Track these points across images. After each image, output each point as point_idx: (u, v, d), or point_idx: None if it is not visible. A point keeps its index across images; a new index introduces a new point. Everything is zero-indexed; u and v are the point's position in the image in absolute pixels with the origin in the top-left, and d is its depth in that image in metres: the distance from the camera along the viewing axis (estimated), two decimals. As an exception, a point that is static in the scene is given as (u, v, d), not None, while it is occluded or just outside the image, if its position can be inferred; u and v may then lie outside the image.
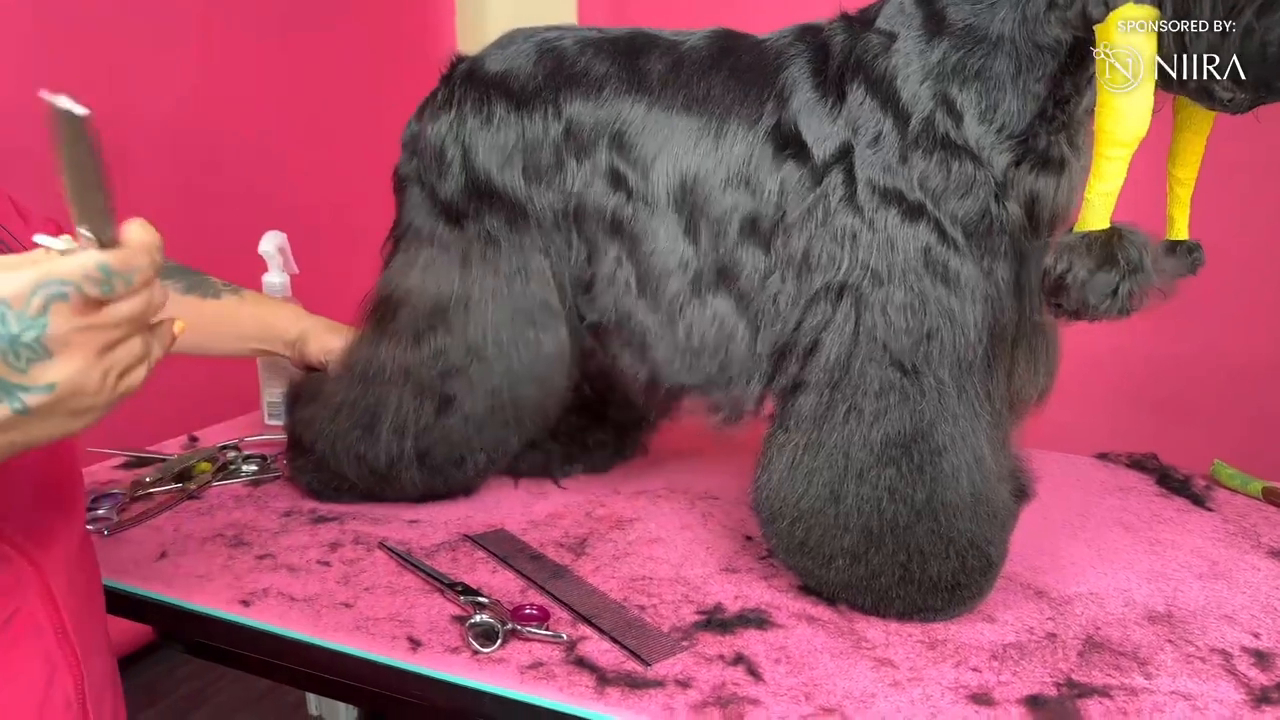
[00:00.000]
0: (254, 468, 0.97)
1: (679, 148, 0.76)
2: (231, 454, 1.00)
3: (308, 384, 0.92)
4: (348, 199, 1.51)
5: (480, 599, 0.70)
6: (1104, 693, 0.61)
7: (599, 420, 0.98)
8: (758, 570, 0.78)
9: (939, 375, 0.68)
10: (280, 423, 1.07)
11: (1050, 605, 0.73)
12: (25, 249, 0.55)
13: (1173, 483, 1.02)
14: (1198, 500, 0.98)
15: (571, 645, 0.65)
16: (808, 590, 0.74)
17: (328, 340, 0.92)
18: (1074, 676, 0.63)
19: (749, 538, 0.84)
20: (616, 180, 0.78)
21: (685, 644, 0.65)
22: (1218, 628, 0.70)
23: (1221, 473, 1.04)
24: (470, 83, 0.81)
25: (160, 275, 0.46)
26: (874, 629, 0.69)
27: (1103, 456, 1.10)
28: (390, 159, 0.87)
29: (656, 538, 0.84)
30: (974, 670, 0.64)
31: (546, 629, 0.66)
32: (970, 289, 0.67)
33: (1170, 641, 0.68)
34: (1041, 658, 0.65)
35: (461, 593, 0.71)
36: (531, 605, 0.68)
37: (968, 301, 0.67)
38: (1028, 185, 0.67)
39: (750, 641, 0.66)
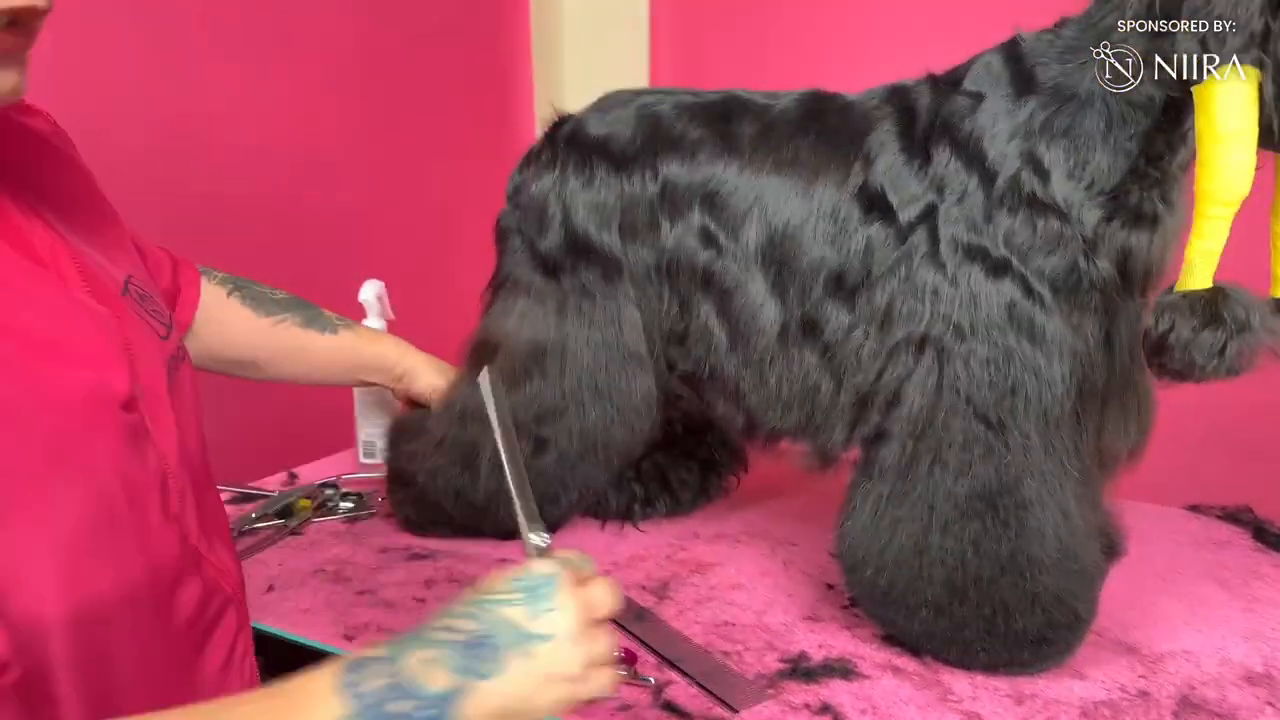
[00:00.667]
0: (351, 505, 1.02)
1: (769, 207, 0.79)
2: (329, 491, 1.05)
3: (411, 420, 0.96)
4: (440, 250, 1.59)
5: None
6: (1201, 758, 0.61)
7: (686, 457, 1.01)
8: (840, 619, 0.79)
9: (1024, 430, 0.68)
10: (374, 461, 1.13)
11: (1142, 663, 0.72)
12: (157, 298, 0.61)
13: (1269, 537, 0.99)
14: (1296, 557, 0.95)
15: (659, 690, 0.67)
16: (892, 640, 0.75)
17: (433, 377, 0.97)
18: (1169, 739, 0.62)
19: (830, 586, 0.85)
20: (708, 238, 0.81)
21: (771, 691, 0.67)
22: (1320, 692, 0.68)
23: (1322, 528, 1.00)
24: (573, 144, 0.86)
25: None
26: (960, 681, 0.69)
27: (1194, 509, 1.07)
28: (477, 211, 0.92)
29: (738, 583, 0.85)
30: (1064, 728, 0.63)
31: (634, 672, 0.68)
32: (1057, 344, 0.68)
33: (1270, 704, 0.67)
34: (1134, 716, 0.65)
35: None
36: (618, 647, 0.71)
37: (1055, 357, 0.68)
38: (1120, 241, 0.68)
39: (836, 691, 0.67)
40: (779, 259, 0.79)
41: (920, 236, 0.72)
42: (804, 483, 0.80)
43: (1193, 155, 0.60)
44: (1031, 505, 0.68)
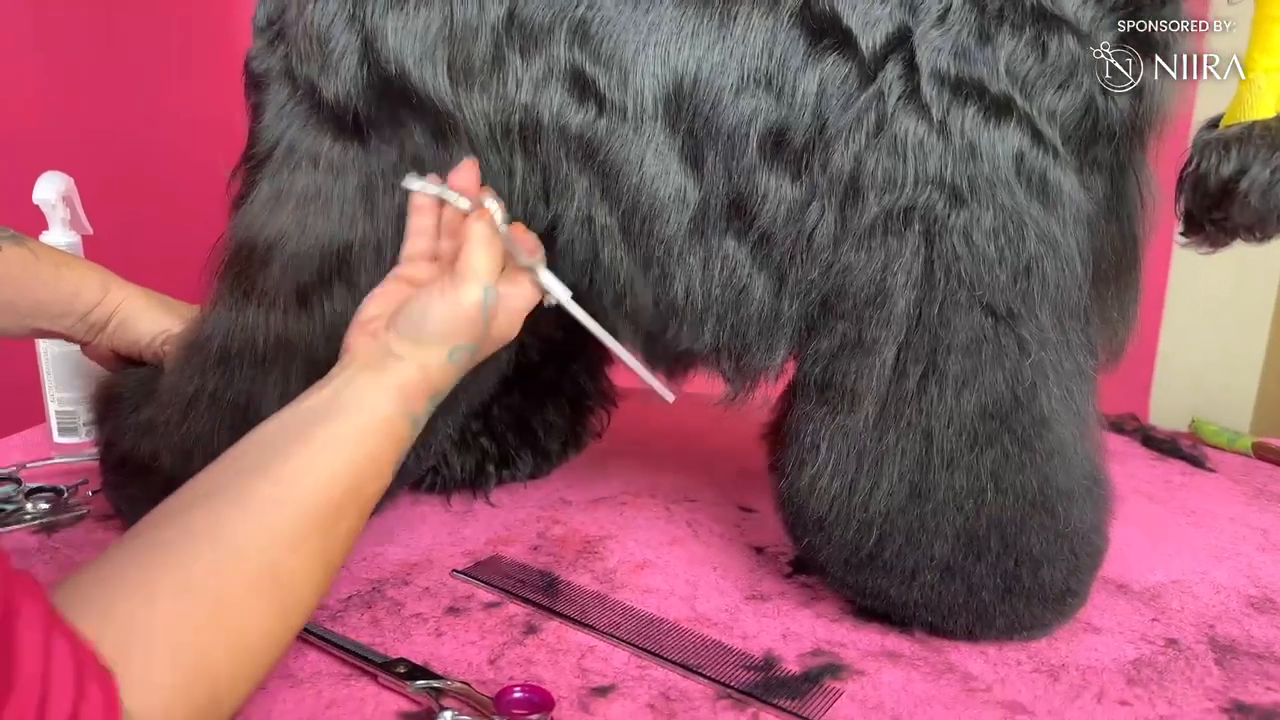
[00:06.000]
0: (45, 506, 0.68)
1: (669, 39, 0.56)
2: (8, 488, 0.70)
3: (131, 380, 0.64)
4: (157, 130, 1.16)
5: (437, 682, 0.47)
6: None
7: (549, 395, 0.77)
8: (792, 594, 0.60)
9: (1040, 321, 0.52)
10: (76, 440, 0.78)
11: (1143, 602, 0.60)
12: None
13: (1160, 444, 0.94)
14: (1195, 462, 0.89)
15: (599, 741, 0.44)
16: (868, 613, 0.57)
17: (158, 318, 0.65)
18: (1234, 695, 0.50)
19: (759, 550, 0.66)
20: (583, 87, 0.57)
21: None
22: (1338, 610, 0.59)
23: (1204, 430, 0.96)
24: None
25: None
26: (973, 660, 0.53)
27: (1077, 421, 1.00)
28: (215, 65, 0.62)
29: (644, 561, 0.64)
30: (1123, 704, 0.49)
31: (551, 720, 0.45)
32: (1073, 209, 0.52)
33: (1296, 633, 0.56)
34: (1184, 676, 0.51)
35: (405, 675, 0.48)
36: (519, 685, 0.47)
37: (1069, 225, 0.52)
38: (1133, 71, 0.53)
39: (837, 703, 0.48)
40: (689, 115, 0.57)
41: (893, 71, 0.53)
42: (674, 417, 0.59)
43: None
44: (1050, 421, 0.52)
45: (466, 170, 0.54)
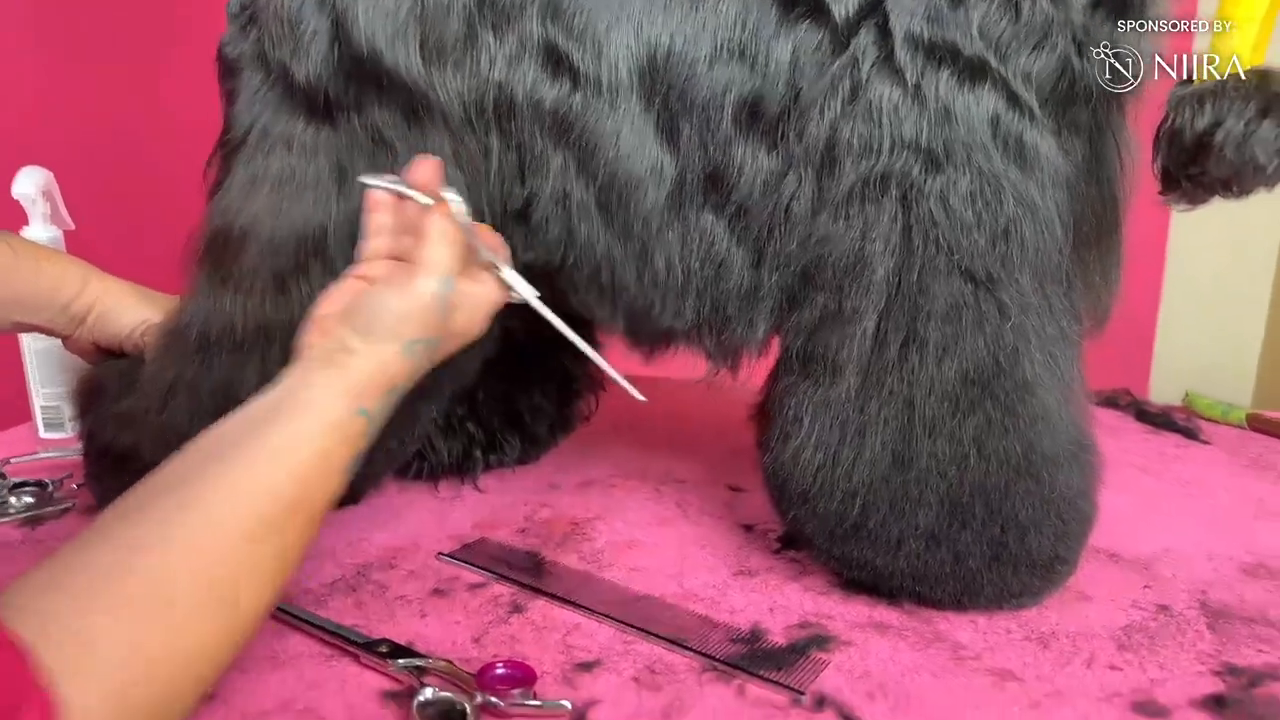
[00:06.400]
0: (30, 500, 0.68)
1: (642, 12, 0.56)
2: (-7, 486, 0.70)
3: (112, 371, 0.64)
4: (139, 124, 1.16)
5: (420, 661, 0.47)
6: (1274, 675, 0.48)
7: (536, 377, 0.76)
8: (780, 569, 0.59)
9: (1020, 285, 0.51)
10: (61, 435, 0.78)
11: (1135, 571, 0.59)
12: None
13: (1154, 418, 0.93)
14: (1190, 434, 0.88)
15: (580, 718, 0.43)
16: (856, 585, 0.56)
17: (140, 310, 0.64)
18: (1226, 658, 0.49)
19: (748, 527, 0.65)
20: (556, 62, 0.57)
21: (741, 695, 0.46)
22: (1330, 573, 0.58)
23: (1198, 403, 0.96)
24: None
25: None
26: (962, 629, 0.52)
27: (1072, 397, 1.00)
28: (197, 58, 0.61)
29: (632, 540, 0.63)
30: (1113, 669, 0.48)
31: (534, 697, 0.44)
32: (1051, 171, 0.52)
33: (1290, 596, 0.56)
34: (1175, 640, 0.51)
35: (388, 654, 0.48)
36: (502, 661, 0.46)
37: (1049, 188, 0.52)
38: (1106, 34, 0.52)
39: (823, 673, 0.47)
40: (664, 88, 0.56)
41: (866, 37, 0.53)
42: (664, 399, 0.59)
43: None
44: (1034, 385, 0.51)
45: (427, 166, 0.52)
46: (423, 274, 0.49)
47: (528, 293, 0.54)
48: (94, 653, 0.34)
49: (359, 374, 0.47)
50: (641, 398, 0.56)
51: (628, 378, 0.57)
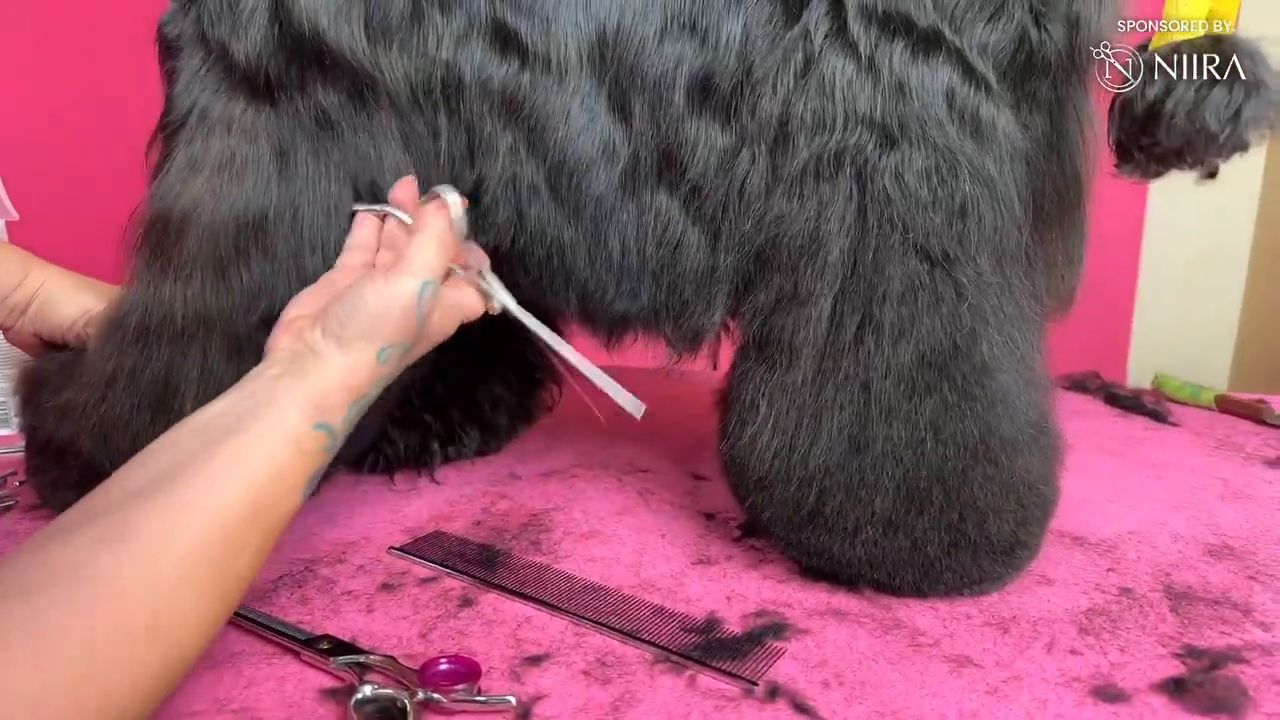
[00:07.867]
0: (-28, 501, 0.66)
1: (590, -15, 0.54)
2: (-67, 485, 0.68)
3: (52, 364, 0.62)
4: (84, 116, 1.13)
5: (361, 657, 0.45)
6: (1236, 657, 0.47)
7: (495, 365, 0.74)
8: (739, 557, 0.58)
9: (977, 265, 0.50)
10: (8, 431, 0.76)
11: (1099, 554, 0.59)
12: None
13: (1124, 401, 0.93)
14: (1158, 416, 0.88)
15: (525, 713, 0.42)
16: (815, 573, 0.55)
17: (81, 299, 0.62)
18: (1188, 640, 0.48)
19: (710, 516, 0.64)
20: (504, 39, 0.55)
21: (692, 685, 0.44)
22: (1295, 554, 0.58)
23: (1168, 385, 0.95)
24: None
25: None
26: (921, 615, 0.51)
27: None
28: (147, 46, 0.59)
29: (592, 531, 0.62)
30: (1073, 654, 0.47)
31: (478, 692, 0.43)
32: (1008, 146, 0.50)
33: (1253, 579, 0.55)
34: (1137, 623, 0.50)
35: (329, 651, 0.46)
36: (446, 657, 0.45)
37: (1005, 163, 0.50)
38: (1065, 5, 0.51)
39: (778, 662, 0.46)
40: (614, 65, 0.55)
41: (819, 9, 0.51)
42: (630, 387, 0.57)
43: None
44: (992, 368, 0.50)
45: (406, 185, 0.54)
46: (407, 273, 0.47)
47: (509, 302, 0.55)
48: (13, 705, 0.31)
49: (324, 384, 0.45)
50: (638, 413, 0.55)
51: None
